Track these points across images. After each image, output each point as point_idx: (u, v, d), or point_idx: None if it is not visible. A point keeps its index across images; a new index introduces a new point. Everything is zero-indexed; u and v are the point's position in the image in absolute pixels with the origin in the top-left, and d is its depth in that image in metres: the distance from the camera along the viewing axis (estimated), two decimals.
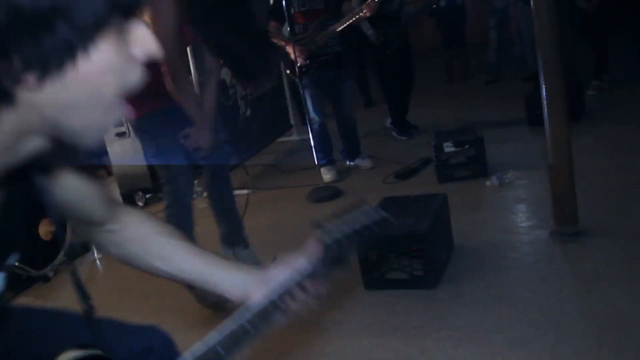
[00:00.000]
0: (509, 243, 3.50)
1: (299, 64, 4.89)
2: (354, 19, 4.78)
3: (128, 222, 1.31)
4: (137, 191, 5.53)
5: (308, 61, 4.87)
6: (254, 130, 6.12)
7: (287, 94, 6.99)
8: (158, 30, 2.47)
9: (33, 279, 4.27)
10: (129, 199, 5.51)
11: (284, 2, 4.87)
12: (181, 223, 3.13)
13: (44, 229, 4.44)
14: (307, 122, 5.27)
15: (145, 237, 1.32)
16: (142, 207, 5.47)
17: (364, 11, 4.71)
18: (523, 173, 4.50)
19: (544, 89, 3.41)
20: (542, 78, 3.39)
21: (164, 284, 3.69)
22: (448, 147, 4.60)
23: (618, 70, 6.68)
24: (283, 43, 4.89)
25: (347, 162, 5.50)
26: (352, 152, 5.44)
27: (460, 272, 3.25)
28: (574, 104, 5.53)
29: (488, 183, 4.43)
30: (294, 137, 7.00)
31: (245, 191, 5.32)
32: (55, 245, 4.51)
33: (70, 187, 1.16)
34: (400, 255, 3.16)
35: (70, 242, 4.55)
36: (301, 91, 5.12)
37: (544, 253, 3.32)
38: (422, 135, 5.91)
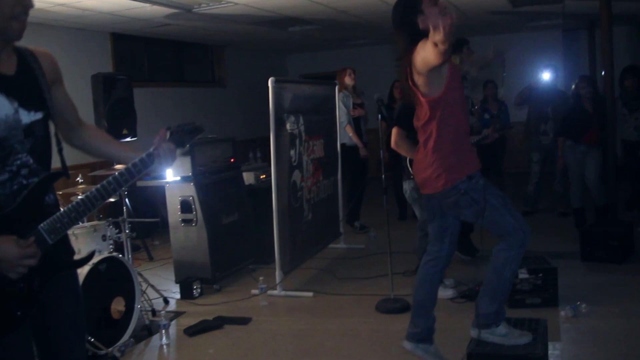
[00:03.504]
0: None
1: None
2: None
3: (87, 127, 2.40)
4: (195, 280, 5.51)
5: None
6: (313, 235, 6.21)
7: (340, 201, 7.13)
8: None
9: (102, 358, 4.20)
10: (185, 287, 5.49)
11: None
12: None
13: (115, 308, 4.44)
14: (420, 231, 5.30)
15: (96, 135, 2.43)
16: (197, 297, 5.46)
17: None
18: (594, 306, 4.58)
19: None
20: None
21: None
22: (522, 274, 4.69)
23: None
24: (408, 151, 4.91)
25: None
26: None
27: None
28: (625, 243, 5.78)
29: (562, 313, 4.51)
30: (342, 245, 7.07)
31: (309, 293, 5.37)
32: (123, 326, 4.49)
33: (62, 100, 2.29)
34: None
35: (137, 325, 4.56)
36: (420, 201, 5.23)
37: None
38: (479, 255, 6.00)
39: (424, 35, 3.15)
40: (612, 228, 6.02)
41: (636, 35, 10.87)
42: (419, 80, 3.34)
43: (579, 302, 4.58)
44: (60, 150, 2.23)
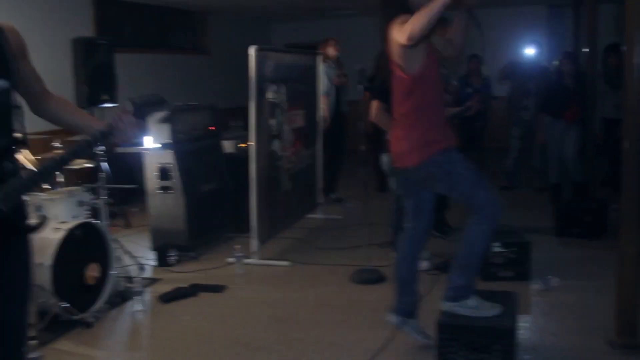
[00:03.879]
0: (570, 349, 3.63)
1: None
2: None
3: (53, 98, 2.39)
4: (172, 247, 5.52)
5: None
6: (291, 205, 6.22)
7: (320, 171, 7.13)
8: None
9: (75, 323, 4.21)
10: (161, 254, 5.50)
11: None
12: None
13: (90, 274, 4.43)
14: (393, 201, 5.34)
15: (62, 106, 2.40)
16: (173, 265, 5.47)
17: None
18: (565, 281, 4.65)
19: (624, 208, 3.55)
20: (624, 195, 3.55)
21: (195, 333, 3.69)
22: (496, 247, 4.74)
23: None
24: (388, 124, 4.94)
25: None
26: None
27: None
28: (599, 220, 5.85)
29: (534, 287, 4.57)
30: (320, 216, 7.10)
31: (285, 263, 5.40)
32: (98, 292, 4.49)
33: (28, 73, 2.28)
34: (483, 347, 3.25)
35: (111, 291, 4.57)
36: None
37: None
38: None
39: (408, 9, 3.19)
40: (587, 204, 6.08)
41: (621, 13, 10.83)
42: (398, 56, 3.34)
43: (550, 276, 4.64)
44: (21, 121, 2.26)
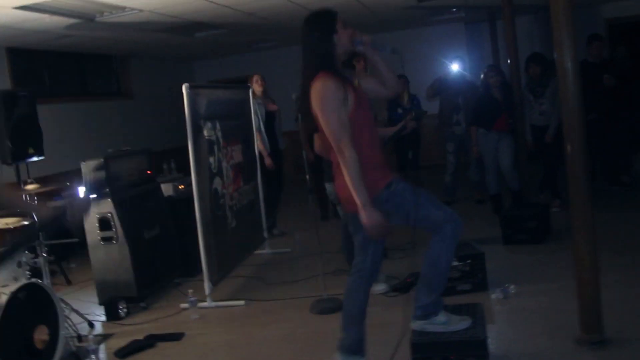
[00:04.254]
0: (540, 352, 3.65)
1: None
2: None
3: None
4: (120, 299, 5.30)
5: None
6: (238, 242, 6.10)
7: (262, 206, 7.05)
8: None
9: None
10: (111, 307, 5.27)
11: None
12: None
13: (38, 337, 4.20)
14: (342, 229, 5.23)
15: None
16: (123, 317, 5.25)
17: None
18: (521, 287, 4.70)
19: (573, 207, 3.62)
20: (572, 197, 3.62)
21: None
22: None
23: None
24: None
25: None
26: None
27: None
28: (542, 224, 5.99)
29: (493, 296, 4.60)
30: (268, 250, 6.99)
31: (241, 302, 5.27)
32: (48, 356, 4.25)
33: None
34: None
35: (63, 353, 4.33)
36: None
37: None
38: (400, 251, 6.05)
39: (324, 63, 3.27)
40: (530, 210, 6.21)
41: (535, 23, 11.31)
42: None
43: (507, 284, 4.69)
44: None
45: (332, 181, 5.12)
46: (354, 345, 3.53)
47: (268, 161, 7.25)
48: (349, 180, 3.18)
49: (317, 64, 3.32)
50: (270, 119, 7.48)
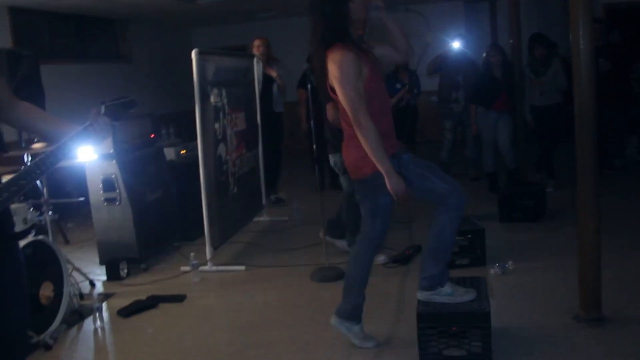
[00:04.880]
0: (538, 327, 3.74)
1: None
2: None
3: (20, 103, 2.36)
4: (122, 260, 5.35)
5: None
6: (239, 208, 6.15)
7: (262, 173, 7.09)
8: None
9: (32, 346, 4.02)
10: (112, 267, 5.32)
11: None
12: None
13: (43, 294, 4.25)
14: (344, 200, 5.32)
15: (31, 112, 2.38)
16: (124, 278, 5.31)
17: None
18: (518, 263, 4.81)
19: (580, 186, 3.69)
20: (579, 174, 3.70)
21: (163, 344, 3.63)
22: None
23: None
24: None
25: (328, 238, 5.58)
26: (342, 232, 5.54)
27: (503, 351, 3.43)
28: (538, 203, 6.10)
29: (492, 271, 4.70)
30: (266, 218, 7.06)
31: (241, 267, 5.34)
32: (53, 312, 4.31)
33: None
34: (462, 332, 3.31)
35: (66, 309, 4.38)
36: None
37: (576, 336, 3.59)
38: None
39: (340, 34, 3.30)
40: (527, 189, 6.31)
41: (535, 3, 11.34)
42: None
43: (505, 261, 4.79)
44: None
45: (337, 152, 5.20)
46: (351, 310, 3.63)
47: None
48: (369, 150, 3.23)
49: (333, 34, 3.35)
50: (268, 83, 7.47)
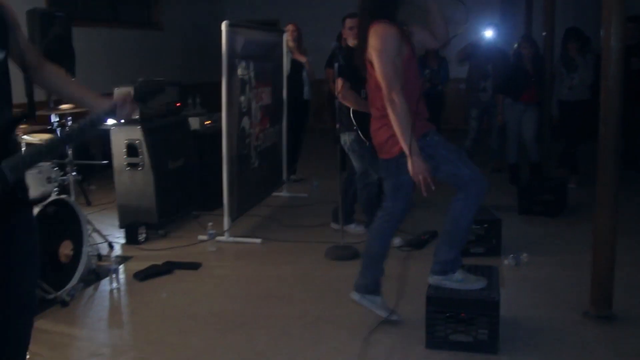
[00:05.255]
0: (547, 320, 3.76)
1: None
2: None
3: (48, 67, 2.41)
4: (141, 225, 5.44)
5: None
6: (259, 182, 6.21)
7: (284, 149, 7.13)
8: None
9: (50, 302, 4.12)
10: (131, 231, 5.41)
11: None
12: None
13: (63, 252, 4.34)
14: (358, 179, 5.35)
15: (57, 75, 2.43)
16: (142, 242, 5.39)
17: None
18: (533, 256, 4.81)
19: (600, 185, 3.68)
20: (599, 173, 3.68)
21: (176, 309, 3.69)
22: None
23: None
24: (359, 104, 5.01)
25: (334, 225, 5.63)
26: (349, 216, 5.59)
27: (509, 341, 3.46)
28: (559, 198, 6.07)
29: (506, 262, 4.71)
30: (285, 194, 7.11)
31: (257, 240, 5.40)
32: (71, 270, 4.40)
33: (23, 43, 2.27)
34: (470, 318, 3.34)
35: (84, 269, 4.48)
36: (361, 152, 5.25)
37: (584, 332, 3.60)
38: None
39: (388, 11, 3.34)
40: (548, 184, 6.28)
41: None
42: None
43: (520, 252, 4.79)
44: (30, 94, 2.28)
45: (347, 130, 5.19)
46: (371, 285, 3.69)
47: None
48: (397, 128, 3.26)
49: (381, 10, 3.38)
50: (297, 69, 7.48)
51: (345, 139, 5.27)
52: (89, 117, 2.30)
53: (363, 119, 5.01)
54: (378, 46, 3.31)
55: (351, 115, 5.11)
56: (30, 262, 2.32)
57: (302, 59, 7.46)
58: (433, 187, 3.29)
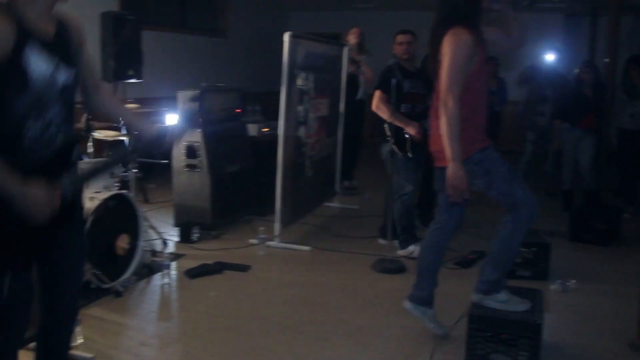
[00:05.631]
0: (591, 348, 3.74)
1: (409, 138, 5.12)
2: None
3: (103, 91, 2.61)
4: (195, 224, 5.61)
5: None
6: (312, 191, 6.32)
7: (338, 161, 7.23)
8: None
9: (105, 291, 4.30)
10: (185, 230, 5.58)
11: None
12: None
13: (120, 244, 4.52)
14: (396, 194, 5.41)
15: (109, 100, 2.66)
16: (195, 242, 5.56)
17: None
18: (582, 284, 4.77)
19: None
20: None
21: (223, 308, 3.77)
22: None
23: None
24: (392, 117, 5.11)
25: (381, 240, 5.68)
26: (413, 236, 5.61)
27: None
28: (612, 227, 5.98)
29: (552, 287, 4.69)
30: (337, 204, 7.21)
31: (306, 247, 5.50)
32: (126, 262, 4.58)
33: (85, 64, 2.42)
34: (511, 339, 3.36)
35: (139, 262, 4.65)
36: (395, 164, 5.33)
37: None
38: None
39: (466, 16, 3.35)
40: (601, 212, 6.21)
41: (638, 24, 11.00)
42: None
43: (569, 279, 4.76)
44: (88, 118, 2.47)
45: (383, 142, 5.28)
46: (425, 296, 3.75)
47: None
48: (445, 132, 3.29)
49: (459, 15, 3.40)
50: (353, 80, 7.57)
51: (381, 150, 5.39)
52: (140, 142, 2.50)
53: (398, 131, 5.12)
54: (450, 52, 3.34)
55: (385, 127, 5.22)
56: (77, 269, 2.55)
57: (358, 57, 7.55)
58: (467, 197, 3.31)
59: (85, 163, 2.57)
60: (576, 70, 7.41)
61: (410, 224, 5.48)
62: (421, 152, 5.18)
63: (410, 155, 5.21)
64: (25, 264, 2.26)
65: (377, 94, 5.20)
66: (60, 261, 2.40)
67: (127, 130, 3.50)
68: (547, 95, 8.00)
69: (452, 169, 3.29)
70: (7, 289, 2.22)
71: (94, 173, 2.40)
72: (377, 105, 5.20)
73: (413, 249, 5.33)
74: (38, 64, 2.15)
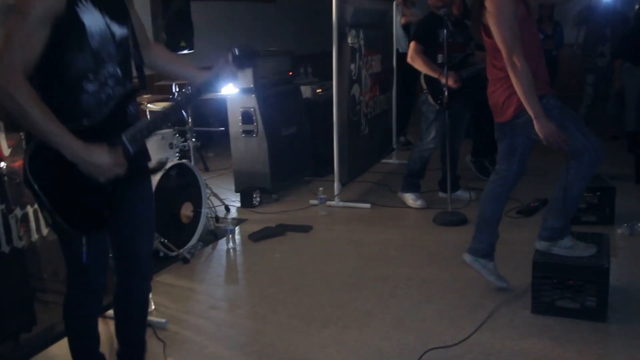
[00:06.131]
0: None
1: (446, 90, 5.04)
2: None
3: (154, 46, 2.65)
4: (255, 189, 5.70)
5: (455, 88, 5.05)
6: (369, 148, 6.33)
7: (394, 117, 7.20)
8: None
9: (173, 259, 4.44)
10: (246, 195, 5.68)
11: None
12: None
13: (184, 213, 4.64)
14: (418, 144, 5.49)
15: (163, 54, 2.68)
16: (256, 206, 5.66)
17: None
18: None
19: None
20: None
21: (288, 269, 3.84)
22: None
23: None
24: (427, 68, 5.13)
25: (441, 194, 5.66)
26: (454, 184, 5.59)
27: (618, 310, 3.41)
28: None
29: (619, 231, 4.60)
30: (395, 161, 7.20)
31: (367, 205, 5.53)
32: (191, 230, 4.71)
33: (135, 21, 2.39)
34: (578, 285, 3.33)
35: (203, 229, 4.77)
36: (427, 115, 5.35)
37: None
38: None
39: None
40: None
41: None
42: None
43: (635, 222, 4.66)
44: (140, 66, 2.42)
45: (422, 93, 5.30)
46: (485, 248, 3.73)
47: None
48: (521, 92, 3.25)
49: None
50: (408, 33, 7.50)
51: (419, 101, 5.42)
52: (195, 86, 2.45)
53: (434, 83, 5.07)
54: (494, 11, 3.30)
55: (421, 78, 5.22)
56: (148, 225, 2.55)
57: (407, 12, 7.47)
58: (569, 143, 3.26)
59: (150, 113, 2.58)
60: (636, 7, 7.11)
61: (419, 173, 5.57)
62: (456, 104, 5.17)
63: (444, 106, 5.13)
64: (99, 223, 2.27)
65: (412, 45, 5.15)
66: (132, 214, 2.42)
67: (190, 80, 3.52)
68: (606, 34, 7.72)
69: (539, 126, 3.24)
70: (86, 249, 2.28)
71: (153, 125, 2.39)
72: (412, 56, 5.15)
73: (412, 198, 5.51)
74: (93, 18, 2.16)
